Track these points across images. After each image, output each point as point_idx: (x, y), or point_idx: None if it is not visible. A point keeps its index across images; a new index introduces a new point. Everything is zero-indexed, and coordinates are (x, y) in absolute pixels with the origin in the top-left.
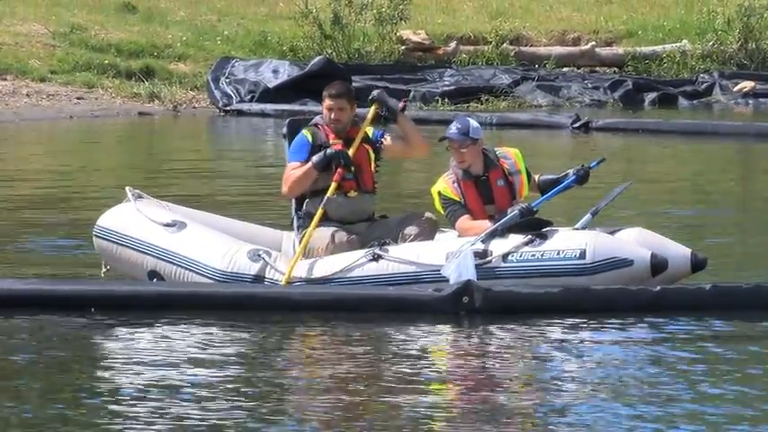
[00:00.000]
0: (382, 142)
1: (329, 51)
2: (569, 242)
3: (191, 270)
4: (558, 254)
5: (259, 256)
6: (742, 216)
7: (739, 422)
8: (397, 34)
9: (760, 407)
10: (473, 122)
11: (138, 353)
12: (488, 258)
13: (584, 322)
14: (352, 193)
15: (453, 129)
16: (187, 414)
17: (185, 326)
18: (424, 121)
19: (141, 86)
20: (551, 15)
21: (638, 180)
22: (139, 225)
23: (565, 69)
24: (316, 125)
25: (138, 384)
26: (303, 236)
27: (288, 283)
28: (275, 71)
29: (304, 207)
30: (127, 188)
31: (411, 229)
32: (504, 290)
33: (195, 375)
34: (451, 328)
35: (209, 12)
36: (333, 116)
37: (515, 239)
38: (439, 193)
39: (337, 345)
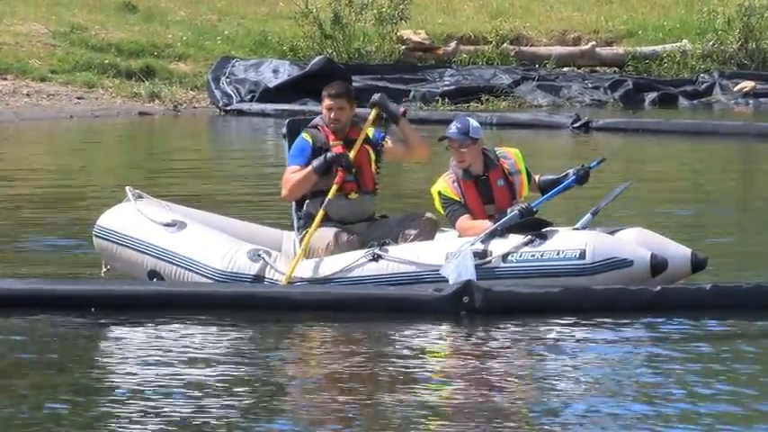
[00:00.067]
0: (383, 144)
1: (329, 51)
2: (569, 242)
3: (190, 270)
4: (558, 254)
5: (259, 256)
6: (742, 216)
7: (738, 422)
8: (398, 34)
9: (757, 407)
10: (473, 122)
11: (138, 352)
12: (488, 258)
13: (585, 322)
14: (353, 195)
15: (453, 128)
16: (187, 413)
17: (185, 325)
18: (425, 120)
19: (141, 86)
20: (552, 15)
21: (638, 180)
22: (139, 225)
23: (565, 69)
24: (315, 126)
25: (138, 383)
26: (303, 236)
27: (289, 283)
28: (275, 71)
29: (304, 208)
30: (127, 188)
31: (411, 229)
32: (504, 290)
33: (195, 374)
34: (452, 328)
35: (210, 11)
36: (332, 116)
37: (515, 239)
38: (439, 193)
39: (337, 344)
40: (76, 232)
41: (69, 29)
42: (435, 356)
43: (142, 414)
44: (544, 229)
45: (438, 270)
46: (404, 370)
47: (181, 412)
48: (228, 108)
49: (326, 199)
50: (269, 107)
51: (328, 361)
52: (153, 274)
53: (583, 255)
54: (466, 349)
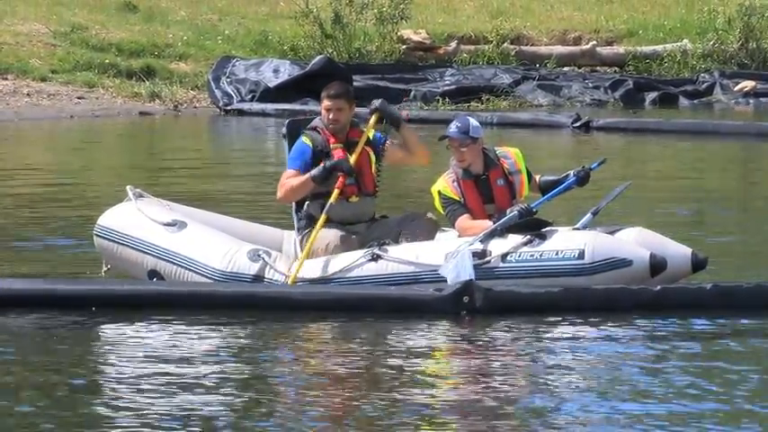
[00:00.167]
0: (384, 147)
1: (330, 51)
2: (568, 242)
3: (190, 270)
4: (557, 254)
5: (259, 256)
6: (743, 215)
7: (737, 420)
8: (398, 34)
9: (756, 406)
10: (473, 121)
11: (138, 352)
12: (487, 258)
13: (585, 322)
14: (354, 199)
15: (453, 127)
16: (187, 412)
17: (185, 325)
18: (425, 120)
19: (142, 86)
20: (552, 15)
21: (638, 179)
22: (140, 224)
23: (565, 69)
24: (315, 128)
25: (138, 383)
26: (304, 236)
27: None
28: (276, 71)
29: (305, 208)
30: (128, 187)
31: (411, 230)
32: (504, 290)
33: (195, 373)
34: (452, 328)
35: (210, 11)
36: (331, 116)
37: (514, 239)
38: (439, 193)
39: (337, 344)
40: (77, 231)
41: (70, 29)
42: (435, 356)
43: (142, 413)
44: (543, 229)
45: (437, 270)
46: (404, 370)
47: (181, 411)
48: (229, 108)
49: (328, 204)
50: (269, 107)
51: (328, 360)
52: (153, 273)
53: (582, 255)
54: (466, 349)
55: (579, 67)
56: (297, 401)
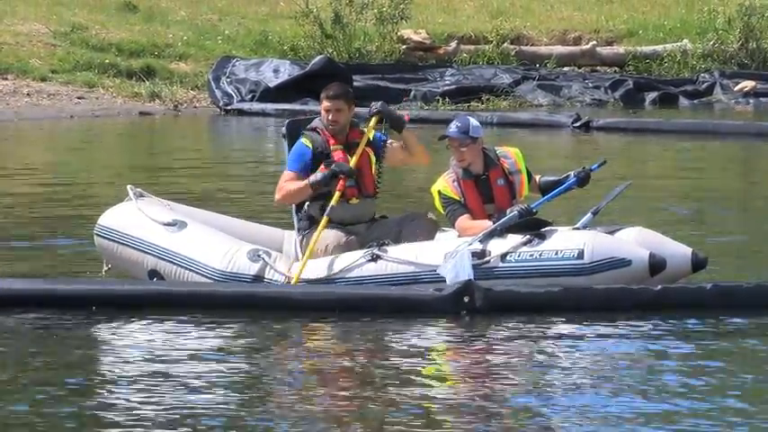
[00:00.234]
0: (385, 148)
1: (330, 51)
2: (567, 242)
3: (190, 270)
4: (557, 254)
5: (259, 256)
6: (743, 215)
7: (737, 420)
8: (398, 34)
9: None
10: (473, 121)
11: (138, 351)
12: (486, 258)
13: (585, 322)
14: (354, 200)
15: (453, 127)
16: (186, 411)
17: (185, 325)
18: (425, 120)
19: (142, 86)
20: (552, 15)
21: (638, 179)
22: (140, 224)
23: (565, 69)
24: (314, 129)
25: (138, 383)
26: (304, 237)
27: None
28: (276, 70)
29: (305, 209)
30: (128, 187)
31: (411, 230)
32: (504, 289)
33: (195, 373)
34: (452, 327)
35: (210, 11)
36: (330, 117)
37: (514, 239)
38: (439, 192)
39: (337, 344)
40: (77, 231)
41: (70, 28)
42: (435, 356)
43: (142, 412)
44: (543, 229)
45: (436, 270)
46: (404, 369)
47: (180, 411)
48: (229, 108)
49: (329, 206)
50: (269, 107)
51: (328, 360)
52: (153, 273)
53: (581, 254)
54: (466, 349)
55: (579, 67)
56: (296, 401)
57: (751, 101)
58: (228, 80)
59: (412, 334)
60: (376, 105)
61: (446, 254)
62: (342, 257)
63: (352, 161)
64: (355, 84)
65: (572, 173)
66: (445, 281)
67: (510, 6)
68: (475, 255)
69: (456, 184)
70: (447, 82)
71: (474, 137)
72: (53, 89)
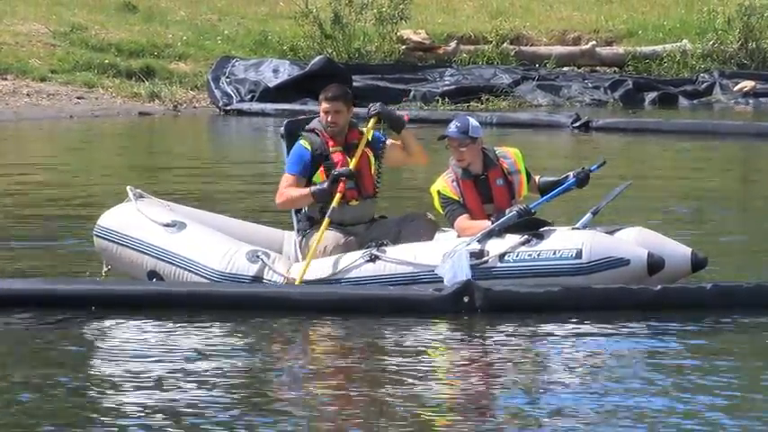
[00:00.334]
0: (384, 145)
1: (329, 51)
2: (566, 242)
3: (189, 271)
4: (555, 254)
5: (257, 257)
6: (742, 215)
7: (736, 419)
8: (398, 34)
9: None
10: (473, 121)
11: (138, 352)
12: (485, 258)
13: (585, 321)
14: (354, 202)
15: (453, 127)
16: (186, 411)
17: (184, 325)
18: (425, 120)
19: (141, 86)
20: (551, 15)
21: (638, 179)
22: (139, 225)
23: (565, 69)
24: (313, 130)
25: (138, 383)
26: (303, 238)
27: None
28: (275, 71)
29: (304, 210)
30: (128, 188)
31: (410, 230)
32: (504, 289)
33: (194, 373)
34: (452, 327)
35: (210, 11)
36: (329, 119)
37: (512, 239)
38: (438, 192)
39: (336, 344)
40: (77, 231)
41: (69, 29)
42: (435, 356)
43: (142, 412)
44: (541, 229)
45: (434, 270)
46: (404, 370)
47: (180, 411)
48: (228, 108)
49: (330, 208)
50: (269, 107)
51: (327, 360)
52: (153, 274)
53: (579, 254)
54: (466, 349)
55: (579, 68)
56: (296, 402)
57: (750, 101)
58: (228, 80)
59: (411, 334)
60: (375, 106)
61: (444, 254)
62: (341, 258)
63: (352, 163)
64: (355, 84)
65: (571, 173)
66: (443, 281)
67: (509, 6)
68: (473, 255)
69: (455, 184)
70: (446, 82)
71: (473, 137)
72: (53, 89)
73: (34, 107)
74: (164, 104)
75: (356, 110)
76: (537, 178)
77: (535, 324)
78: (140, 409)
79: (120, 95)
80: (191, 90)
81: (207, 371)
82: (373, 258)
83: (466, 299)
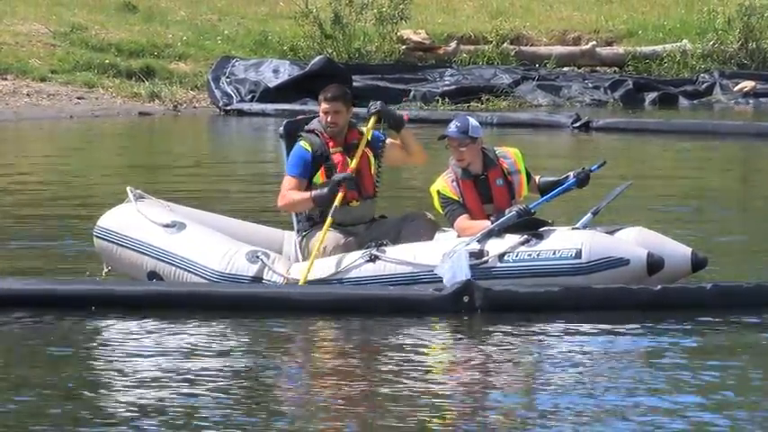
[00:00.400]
0: (384, 144)
1: (330, 51)
2: (565, 242)
3: (189, 271)
4: (554, 253)
5: (257, 257)
6: (742, 215)
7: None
8: (398, 34)
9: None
10: (472, 121)
11: (137, 352)
12: (484, 258)
13: (585, 321)
14: (354, 203)
15: (453, 127)
16: (185, 411)
17: (184, 326)
18: (425, 120)
19: (142, 86)
20: (552, 15)
21: (638, 179)
22: (139, 226)
23: (565, 69)
24: (312, 131)
25: (137, 383)
26: (303, 238)
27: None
28: (276, 71)
29: (305, 211)
30: (128, 188)
31: (410, 230)
32: (504, 289)
33: (194, 373)
34: (452, 327)
35: (210, 11)
36: (329, 119)
37: (511, 239)
38: (438, 192)
39: (336, 344)
40: (77, 231)
41: (69, 29)
42: (435, 356)
43: (141, 413)
44: (541, 229)
45: (434, 270)
46: (403, 370)
47: (179, 411)
48: (229, 108)
49: (332, 208)
50: (269, 107)
51: (327, 361)
52: (152, 275)
53: (579, 254)
54: (466, 349)
55: (579, 68)
56: (296, 402)
57: (751, 101)
58: (228, 80)
59: (411, 334)
60: (375, 105)
61: (444, 254)
62: (340, 258)
63: (352, 163)
64: (355, 84)
65: (571, 173)
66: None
67: (510, 6)
68: (473, 255)
69: (455, 184)
70: (447, 82)
71: (473, 137)
72: (53, 89)
73: (34, 107)
74: (164, 104)
75: (356, 110)
76: (537, 178)
77: (535, 324)
78: (140, 409)
79: (120, 95)
80: (191, 90)
81: (207, 371)
82: (373, 258)
83: (466, 299)
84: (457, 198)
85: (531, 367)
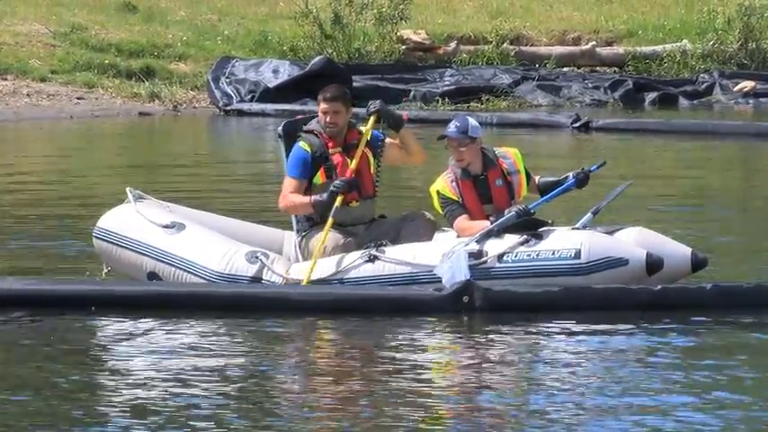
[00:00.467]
0: (382, 146)
1: (329, 51)
2: (565, 242)
3: (188, 272)
4: (554, 254)
5: (257, 257)
6: (742, 215)
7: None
8: (398, 34)
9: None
10: (472, 121)
11: (137, 352)
12: (483, 258)
13: (585, 321)
14: (354, 204)
15: (452, 127)
16: (185, 411)
17: (183, 326)
18: (425, 120)
19: (141, 86)
20: (552, 15)
21: (638, 179)
22: (139, 226)
23: (565, 69)
24: (312, 131)
25: (137, 383)
26: (302, 238)
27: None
28: (275, 71)
29: None
30: (128, 189)
31: (410, 230)
32: (504, 289)
33: (193, 373)
34: (452, 327)
35: (210, 11)
36: (328, 119)
37: (511, 239)
38: (437, 193)
39: (335, 344)
40: (77, 231)
41: (69, 29)
42: (434, 356)
43: (140, 413)
44: (540, 229)
45: (433, 270)
46: (403, 369)
47: (179, 411)
48: (228, 108)
49: (334, 209)
50: (269, 107)
51: (327, 361)
52: (152, 275)
53: (578, 254)
54: (466, 349)
55: (579, 68)
56: (296, 402)
57: (750, 101)
58: (228, 80)
59: (411, 334)
60: (374, 104)
61: (443, 254)
62: (340, 258)
63: (352, 164)
64: (355, 84)
65: (571, 174)
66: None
67: (509, 6)
68: (472, 255)
69: (454, 184)
70: (446, 82)
71: (473, 137)
72: (53, 89)
73: (34, 107)
74: (164, 105)
75: (355, 110)
76: (537, 178)
77: (534, 324)
78: (140, 409)
79: (120, 96)
80: (191, 90)
81: (206, 371)
82: (372, 258)
83: (465, 299)
84: (456, 198)
85: (530, 367)
